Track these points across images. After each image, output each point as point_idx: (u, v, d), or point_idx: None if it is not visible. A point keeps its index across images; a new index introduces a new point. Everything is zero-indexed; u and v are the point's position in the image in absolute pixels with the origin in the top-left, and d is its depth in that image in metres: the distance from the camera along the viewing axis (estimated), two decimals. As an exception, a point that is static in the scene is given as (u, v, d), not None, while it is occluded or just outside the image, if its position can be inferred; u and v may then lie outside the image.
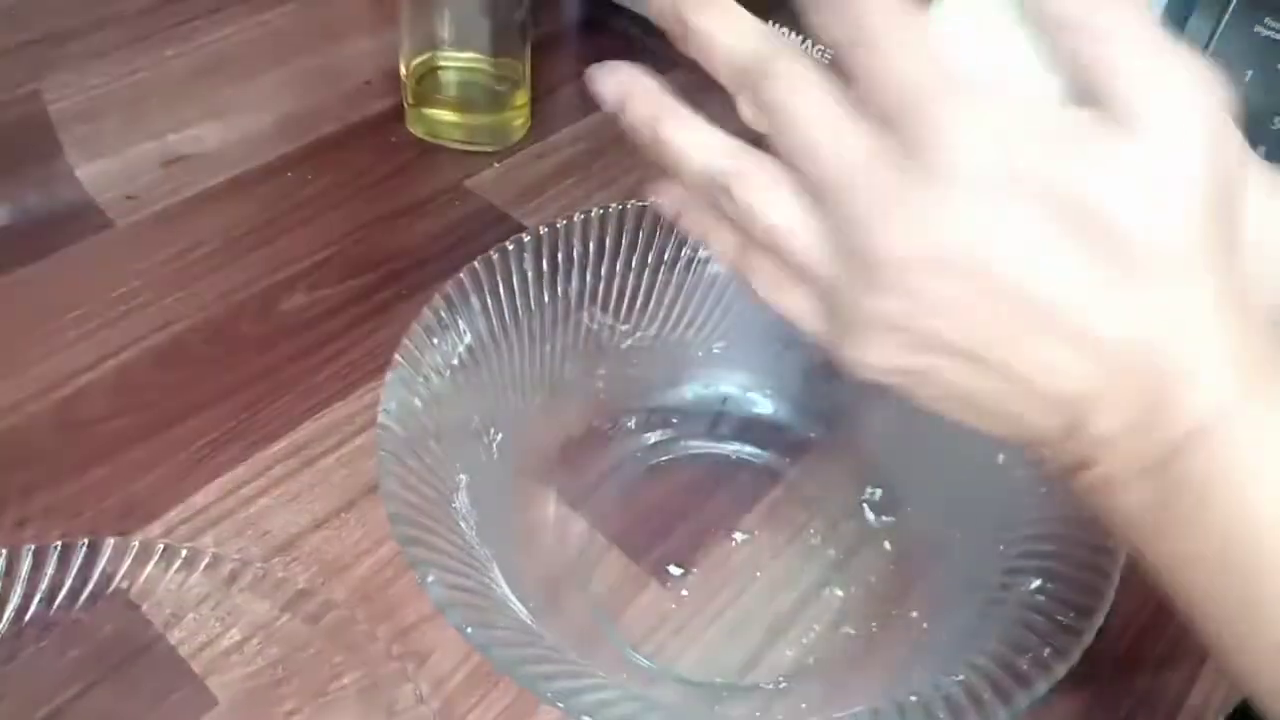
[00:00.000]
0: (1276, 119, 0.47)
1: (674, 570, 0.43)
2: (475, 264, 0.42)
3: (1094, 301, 0.24)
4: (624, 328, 0.46)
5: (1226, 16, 0.47)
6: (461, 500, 0.38)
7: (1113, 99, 0.24)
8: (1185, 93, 0.24)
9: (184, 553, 0.41)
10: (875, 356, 0.27)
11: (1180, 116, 0.24)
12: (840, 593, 0.43)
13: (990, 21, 0.26)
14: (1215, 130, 0.24)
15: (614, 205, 0.44)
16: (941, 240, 0.24)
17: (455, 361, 0.41)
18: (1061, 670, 0.32)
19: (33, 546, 0.40)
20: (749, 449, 0.48)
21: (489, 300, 0.42)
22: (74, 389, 0.48)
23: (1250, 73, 0.47)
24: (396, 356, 0.39)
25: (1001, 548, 0.38)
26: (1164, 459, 0.25)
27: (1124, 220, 0.24)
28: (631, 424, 0.48)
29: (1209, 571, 0.25)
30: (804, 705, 0.39)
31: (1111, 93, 0.24)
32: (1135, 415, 0.25)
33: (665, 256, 0.46)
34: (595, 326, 0.46)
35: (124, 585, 0.41)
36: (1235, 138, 0.25)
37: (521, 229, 0.45)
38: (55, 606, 0.40)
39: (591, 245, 0.45)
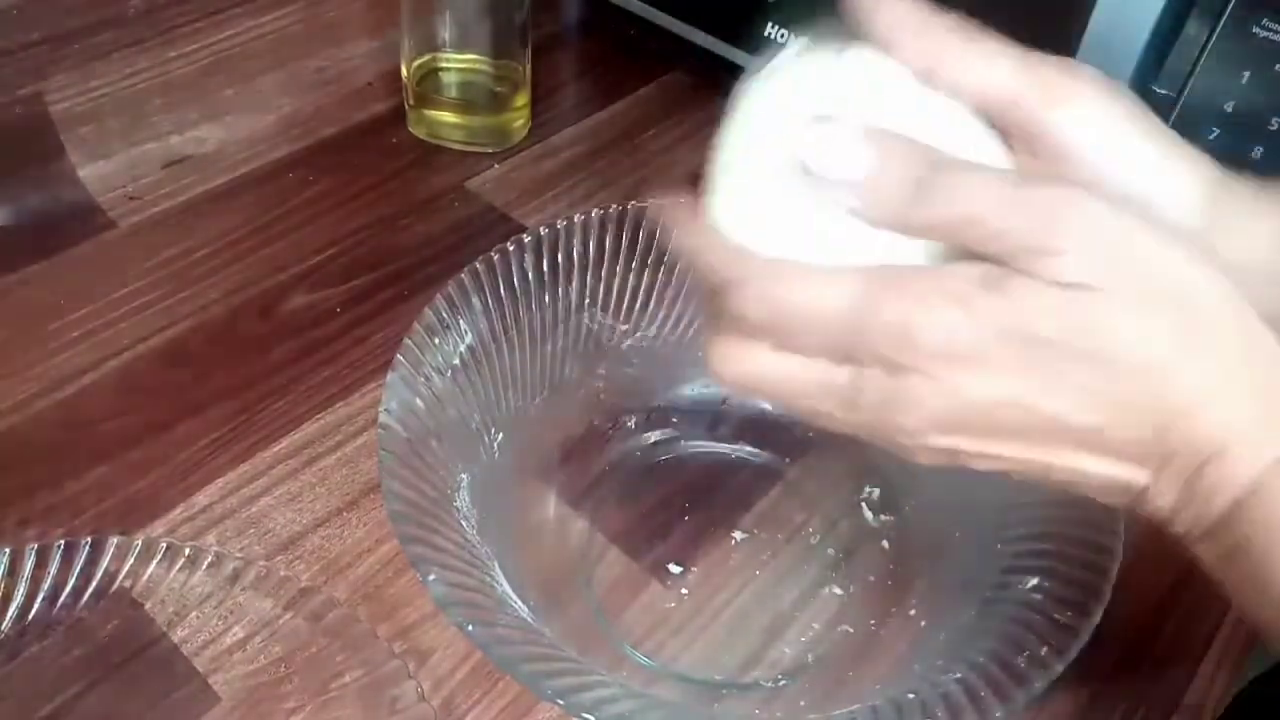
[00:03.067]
0: (1274, 120, 0.47)
1: (674, 569, 0.44)
2: (476, 264, 0.42)
3: (1107, 415, 0.27)
4: (624, 328, 0.46)
5: (1225, 18, 0.47)
6: (462, 499, 0.38)
7: (1014, 258, 0.26)
8: (1065, 217, 0.26)
9: (187, 551, 0.41)
10: (925, 461, 0.29)
11: (1078, 242, 0.26)
12: (839, 591, 0.43)
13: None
14: (1118, 232, 0.26)
15: (614, 206, 0.45)
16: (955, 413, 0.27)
17: (456, 361, 0.41)
18: (1059, 668, 0.32)
19: (36, 546, 0.41)
20: (748, 448, 0.48)
21: (490, 300, 0.42)
22: (76, 389, 0.49)
23: (1248, 74, 0.47)
24: (398, 356, 0.39)
25: (1000, 546, 0.38)
26: (1217, 527, 0.27)
27: (1098, 340, 0.26)
28: (631, 424, 0.48)
29: None
30: (803, 703, 0.39)
31: (1007, 255, 0.26)
32: (1182, 494, 0.27)
33: (665, 256, 0.46)
34: (595, 326, 0.46)
35: (127, 584, 0.41)
36: (1127, 224, 0.26)
37: (522, 230, 0.45)
38: (58, 605, 0.40)
39: (591, 246, 0.45)
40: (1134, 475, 0.28)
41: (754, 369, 0.29)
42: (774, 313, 0.28)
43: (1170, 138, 0.29)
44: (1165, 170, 0.29)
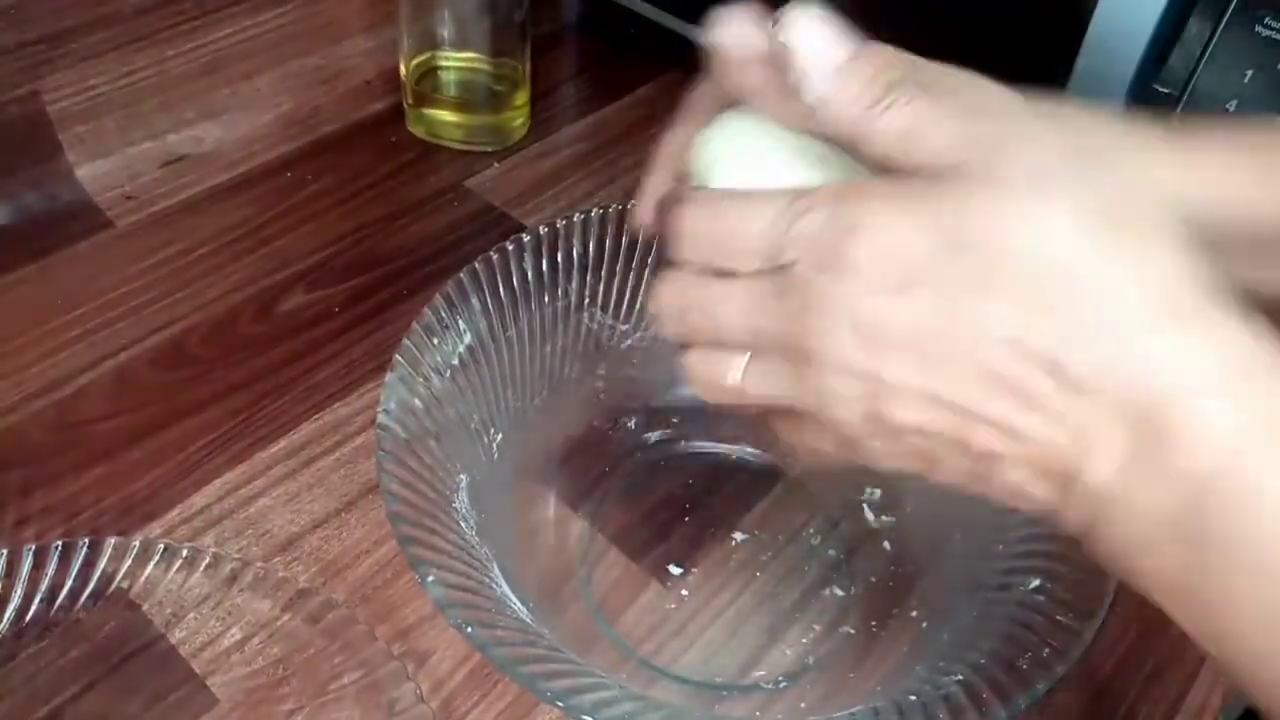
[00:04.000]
0: (1278, 119, 0.47)
1: (674, 570, 0.43)
2: (475, 264, 0.42)
3: (1052, 339, 0.24)
4: (624, 328, 0.46)
5: (1227, 16, 0.47)
6: (461, 500, 0.38)
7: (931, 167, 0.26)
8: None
9: (184, 552, 0.41)
10: (840, 391, 0.28)
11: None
12: (840, 592, 0.43)
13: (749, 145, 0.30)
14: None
15: (614, 205, 0.44)
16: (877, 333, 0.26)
17: (455, 361, 0.41)
18: (1061, 670, 0.32)
19: (33, 546, 0.40)
20: (749, 449, 0.48)
21: (489, 300, 0.42)
22: (74, 389, 0.49)
23: (1250, 72, 0.47)
24: (396, 356, 0.39)
25: (1001, 547, 0.38)
26: (1187, 509, 0.23)
27: (1017, 250, 0.24)
28: (631, 424, 0.48)
29: (1258, 633, 0.22)
30: (804, 705, 0.39)
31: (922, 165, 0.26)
32: (1131, 456, 0.23)
33: (665, 256, 0.45)
34: (595, 326, 0.46)
35: (125, 585, 0.41)
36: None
37: (521, 229, 0.45)
38: (56, 606, 0.40)
39: (591, 245, 0.45)
40: (1058, 431, 0.24)
41: (685, 292, 0.30)
42: (712, 218, 0.29)
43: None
44: None
